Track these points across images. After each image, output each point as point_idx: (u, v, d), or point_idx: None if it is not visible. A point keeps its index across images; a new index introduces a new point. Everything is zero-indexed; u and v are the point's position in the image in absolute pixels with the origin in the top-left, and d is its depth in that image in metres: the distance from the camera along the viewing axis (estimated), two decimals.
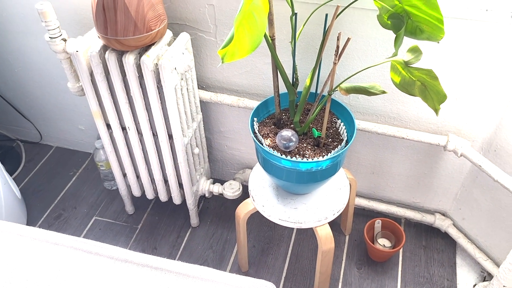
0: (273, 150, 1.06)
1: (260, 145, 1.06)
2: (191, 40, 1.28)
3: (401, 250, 1.45)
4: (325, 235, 1.14)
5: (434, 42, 0.97)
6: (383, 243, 1.42)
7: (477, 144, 1.25)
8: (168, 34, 1.18)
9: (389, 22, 1.00)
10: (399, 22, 0.98)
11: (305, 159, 1.03)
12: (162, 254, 1.46)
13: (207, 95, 1.34)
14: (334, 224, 1.51)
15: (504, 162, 1.20)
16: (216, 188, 1.48)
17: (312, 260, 1.43)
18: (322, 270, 1.20)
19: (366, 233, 1.39)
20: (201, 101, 1.39)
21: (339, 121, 1.15)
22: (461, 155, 1.19)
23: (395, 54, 0.97)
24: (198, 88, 1.38)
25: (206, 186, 1.48)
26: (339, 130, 1.14)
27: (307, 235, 1.51)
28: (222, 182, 1.55)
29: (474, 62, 1.09)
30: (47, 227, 1.54)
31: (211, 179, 1.52)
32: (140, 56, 1.12)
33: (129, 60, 1.10)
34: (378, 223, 1.42)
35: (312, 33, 1.15)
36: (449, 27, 1.05)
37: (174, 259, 1.44)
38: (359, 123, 1.26)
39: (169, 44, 1.17)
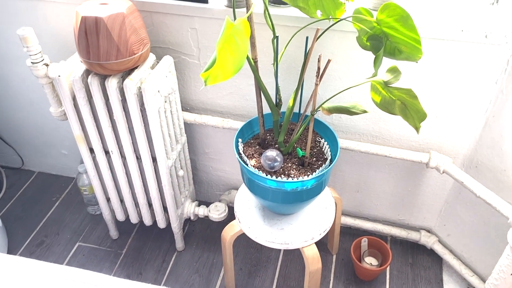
0: (258, 170, 1.07)
1: (245, 165, 1.06)
2: (175, 63, 1.28)
3: (388, 268, 1.44)
4: (312, 255, 1.13)
5: (413, 62, 1.00)
6: (370, 261, 1.42)
7: (458, 160, 1.27)
8: (151, 57, 1.18)
9: (368, 43, 1.02)
10: (378, 43, 1.01)
11: (290, 179, 1.04)
12: (148, 279, 1.43)
13: (191, 117, 1.34)
14: (321, 244, 1.51)
15: (485, 177, 1.22)
16: (202, 211, 1.47)
17: (300, 281, 1.42)
18: None
19: (353, 252, 1.39)
20: (185, 123, 1.39)
21: (322, 140, 1.16)
22: (443, 172, 1.21)
23: (374, 75, 0.99)
24: (182, 110, 1.38)
25: (191, 209, 1.47)
26: (323, 149, 1.15)
27: (294, 256, 1.50)
28: (207, 204, 1.54)
29: (452, 80, 1.11)
30: (28, 255, 1.51)
31: (196, 202, 1.50)
32: (123, 80, 1.12)
33: (112, 84, 1.10)
34: (364, 241, 1.42)
35: (294, 55, 1.17)
36: (427, 47, 1.07)
37: (160, 285, 1.41)
38: (342, 142, 1.27)
39: (153, 67, 1.17)
